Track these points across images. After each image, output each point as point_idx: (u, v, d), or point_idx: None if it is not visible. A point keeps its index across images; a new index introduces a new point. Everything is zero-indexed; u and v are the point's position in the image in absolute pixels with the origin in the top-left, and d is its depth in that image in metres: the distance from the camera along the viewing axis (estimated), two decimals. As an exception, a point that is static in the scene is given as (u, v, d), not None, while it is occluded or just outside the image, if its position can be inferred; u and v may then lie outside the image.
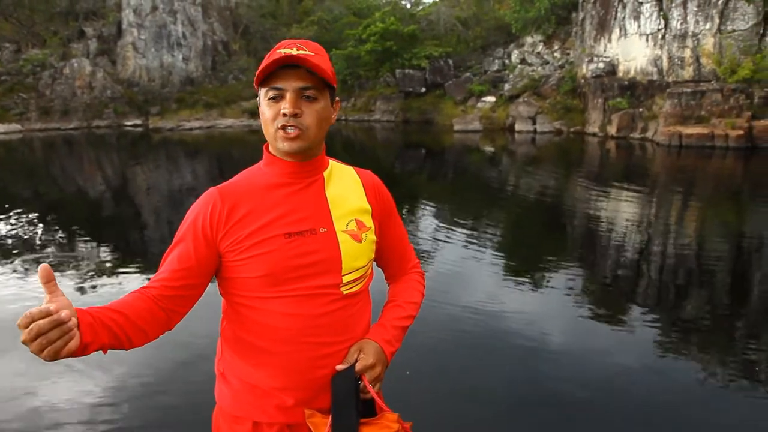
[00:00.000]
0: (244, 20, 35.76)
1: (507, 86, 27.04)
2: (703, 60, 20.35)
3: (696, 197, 12.00)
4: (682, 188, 12.79)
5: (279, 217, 1.48)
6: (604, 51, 23.98)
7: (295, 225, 1.48)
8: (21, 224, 9.42)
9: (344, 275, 1.52)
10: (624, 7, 22.74)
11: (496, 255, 7.56)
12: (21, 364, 4.30)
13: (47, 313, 1.10)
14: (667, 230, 8.86)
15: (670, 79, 21.08)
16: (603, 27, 24.00)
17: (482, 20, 32.77)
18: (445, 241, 8.04)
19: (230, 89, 31.61)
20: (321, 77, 1.45)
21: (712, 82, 19.82)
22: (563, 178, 14.65)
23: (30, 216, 10.06)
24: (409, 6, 38.32)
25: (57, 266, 6.93)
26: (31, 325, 1.09)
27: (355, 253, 1.54)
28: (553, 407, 3.76)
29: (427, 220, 9.51)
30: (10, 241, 8.31)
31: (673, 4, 20.84)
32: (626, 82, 22.22)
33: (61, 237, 8.84)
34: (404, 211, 9.73)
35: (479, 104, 27.29)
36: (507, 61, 29.47)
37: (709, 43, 20.13)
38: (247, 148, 22.41)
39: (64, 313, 1.12)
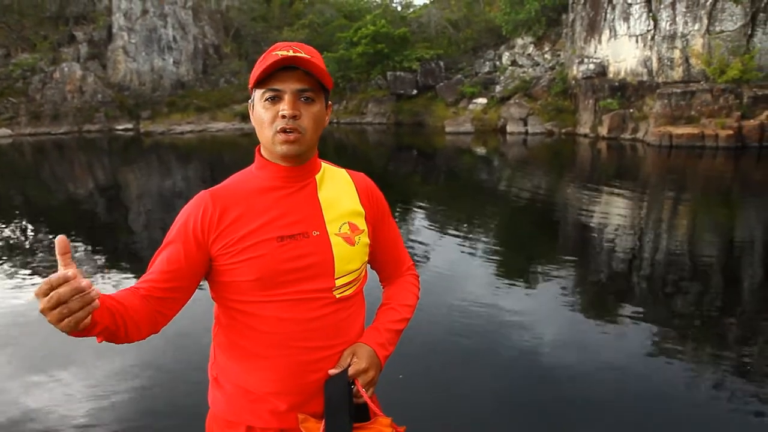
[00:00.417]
0: (235, 23, 35.84)
1: (498, 88, 27.21)
2: (693, 60, 20.52)
3: (687, 197, 12.04)
4: (673, 188, 12.83)
5: (271, 221, 1.46)
6: (595, 52, 24.13)
7: (288, 228, 1.46)
8: (10, 229, 9.37)
9: (337, 278, 1.51)
10: (613, 8, 22.90)
11: (489, 256, 7.54)
12: (8, 367, 4.31)
13: (65, 279, 1.06)
14: (659, 230, 8.86)
15: (660, 80, 21.25)
16: (593, 28, 24.16)
17: (473, 22, 33.01)
18: (437, 243, 8.02)
19: (221, 92, 31.67)
20: (318, 79, 1.44)
21: (702, 82, 19.98)
22: (555, 179, 14.68)
23: (20, 221, 10.02)
24: (399, 9, 38.65)
25: (47, 271, 6.90)
26: (51, 293, 1.05)
27: (348, 257, 1.52)
28: (546, 408, 3.74)
29: (419, 222, 9.47)
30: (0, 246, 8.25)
31: (662, 5, 21.02)
32: (617, 83, 22.39)
33: (51, 242, 8.66)
34: (397, 214, 9.73)
35: (471, 106, 27.45)
36: (498, 63, 29.66)
37: (698, 43, 20.30)
38: (238, 151, 22.38)
39: (84, 282, 1.08)
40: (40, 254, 7.92)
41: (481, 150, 21.07)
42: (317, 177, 1.56)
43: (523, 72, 27.53)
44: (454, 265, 7.06)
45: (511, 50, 29.50)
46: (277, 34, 34.38)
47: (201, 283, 1.52)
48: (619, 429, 3.55)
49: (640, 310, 5.52)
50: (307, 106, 1.44)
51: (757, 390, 3.98)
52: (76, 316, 1.08)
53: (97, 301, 1.12)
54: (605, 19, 23.42)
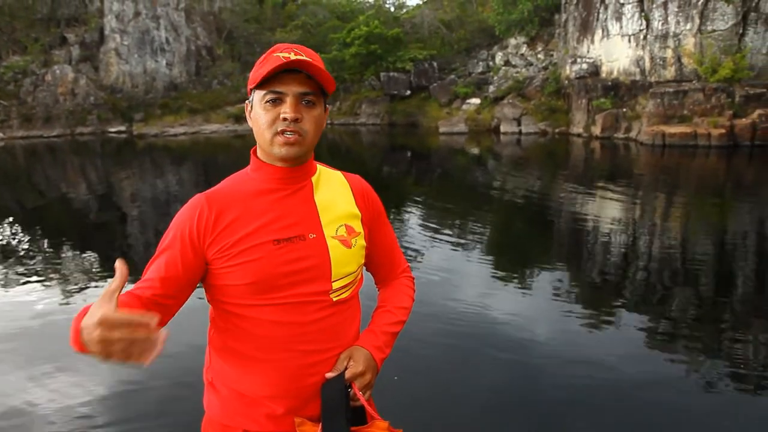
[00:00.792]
0: (228, 25, 35.72)
1: (492, 88, 27.29)
2: (685, 60, 20.64)
3: (680, 196, 12.08)
4: (667, 187, 12.90)
5: (267, 224, 1.45)
6: (587, 52, 24.21)
7: (284, 231, 1.46)
8: (2, 233, 9.35)
9: (334, 281, 1.50)
10: (606, 8, 22.99)
11: (483, 257, 7.57)
12: (3, 374, 4.29)
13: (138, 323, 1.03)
14: (652, 229, 8.90)
15: (653, 79, 21.35)
16: (585, 28, 24.24)
17: (466, 23, 33.07)
18: (431, 244, 8.03)
19: (215, 94, 31.59)
20: (319, 83, 1.44)
21: (694, 81, 20.11)
22: (549, 179, 14.71)
23: (12, 224, 10.01)
24: (392, 9, 38.61)
25: (41, 275, 6.95)
26: (119, 334, 1.01)
27: (345, 259, 1.52)
28: (542, 408, 3.76)
29: (413, 223, 9.48)
30: None
31: (654, 5, 21.12)
32: (609, 83, 22.48)
33: (44, 245, 8.75)
34: (390, 215, 9.74)
35: (464, 106, 27.51)
36: (491, 63, 29.72)
37: (690, 43, 20.43)
38: (232, 153, 22.35)
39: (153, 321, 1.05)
40: (33, 257, 7.88)
41: (474, 150, 21.13)
42: (313, 179, 1.56)
43: (517, 72, 27.60)
44: (448, 265, 7.04)
45: (504, 50, 29.56)
46: (269, 35, 34.30)
47: (199, 286, 1.50)
48: (614, 428, 3.55)
49: (634, 309, 5.54)
50: (308, 110, 1.44)
51: (750, 387, 4.01)
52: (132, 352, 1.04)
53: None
54: (598, 19, 23.51)
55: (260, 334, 1.46)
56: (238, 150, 23.11)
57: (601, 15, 23.28)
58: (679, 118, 19.34)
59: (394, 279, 1.77)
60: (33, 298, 6.09)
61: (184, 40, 32.76)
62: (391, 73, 30.33)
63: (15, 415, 3.72)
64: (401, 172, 16.72)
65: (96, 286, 6.47)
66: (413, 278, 1.82)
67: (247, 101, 1.54)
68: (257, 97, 1.46)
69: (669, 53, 20.94)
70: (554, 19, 27.64)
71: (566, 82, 24.47)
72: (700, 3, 20.01)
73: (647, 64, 21.65)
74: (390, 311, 1.67)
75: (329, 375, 1.49)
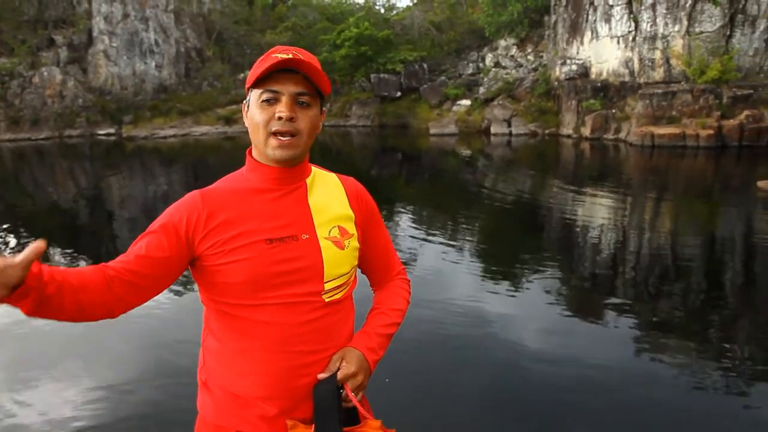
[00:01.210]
0: (218, 27, 35.56)
1: (482, 89, 27.34)
2: (673, 61, 20.78)
3: (669, 196, 12.18)
4: (656, 188, 12.97)
5: (261, 223, 1.46)
6: (577, 53, 24.32)
7: (277, 231, 1.46)
8: None
9: (326, 282, 1.51)
10: (595, 10, 23.10)
11: (474, 257, 7.60)
12: None
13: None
14: (642, 229, 8.98)
15: (642, 81, 21.48)
16: (575, 30, 24.35)
17: (456, 24, 33.10)
18: (422, 245, 8.04)
19: (205, 96, 31.47)
20: (315, 85, 1.45)
21: (682, 82, 20.25)
22: (539, 180, 14.78)
23: (1, 228, 9.96)
24: (383, 11, 38.46)
25: None
26: None
27: (338, 260, 1.53)
28: (534, 408, 3.78)
29: (404, 225, 9.50)
30: None
31: (643, 7, 21.23)
32: (599, 84, 22.59)
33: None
34: (381, 216, 9.72)
35: (455, 108, 27.55)
36: (481, 65, 29.78)
37: (678, 44, 20.57)
38: (222, 155, 22.29)
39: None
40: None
41: (465, 152, 21.19)
42: (308, 180, 1.57)
43: (507, 73, 27.67)
44: (439, 266, 7.07)
45: (494, 52, 29.63)
46: (259, 37, 34.24)
47: (194, 287, 1.50)
48: (611, 427, 3.58)
49: (626, 308, 5.59)
50: (303, 110, 1.45)
51: (740, 384, 4.06)
52: None
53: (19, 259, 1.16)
54: (587, 21, 23.61)
55: (253, 334, 1.46)
56: (228, 152, 23.08)
57: (590, 17, 23.39)
58: (668, 119, 19.49)
59: (390, 281, 1.78)
60: None
61: (174, 42, 32.60)
62: (382, 75, 30.33)
63: (2, 421, 3.69)
64: (392, 174, 16.73)
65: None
66: (409, 281, 1.82)
67: (244, 101, 1.54)
68: (254, 96, 1.47)
69: (658, 55, 21.07)
70: (544, 20, 27.73)
71: (556, 83, 24.56)
72: (688, 5, 20.15)
73: (636, 66, 21.78)
74: (384, 313, 1.67)
75: (321, 376, 1.49)
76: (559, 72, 24.28)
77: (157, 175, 17.74)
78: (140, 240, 1.44)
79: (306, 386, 1.48)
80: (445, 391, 4.01)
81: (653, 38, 21.02)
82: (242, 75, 32.53)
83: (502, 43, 29.44)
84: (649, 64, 21.31)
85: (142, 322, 5.00)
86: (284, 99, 1.43)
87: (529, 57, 28.24)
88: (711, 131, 18.22)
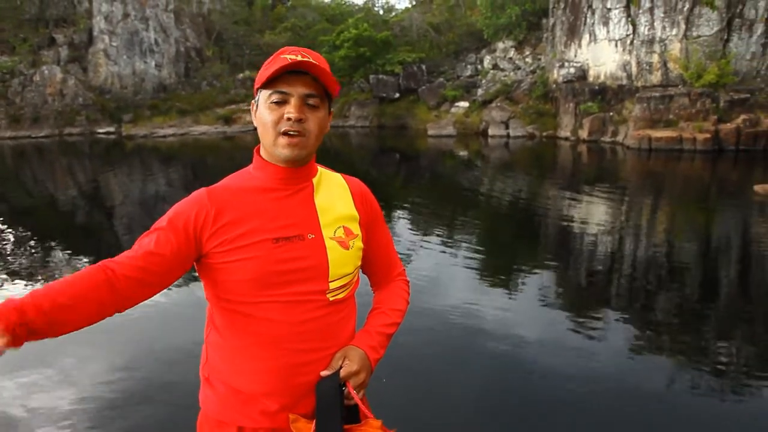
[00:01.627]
0: (217, 27, 35.65)
1: (480, 91, 27.41)
2: (671, 65, 20.84)
3: (666, 199, 12.20)
4: (653, 191, 13.00)
5: (267, 222, 1.46)
6: (575, 56, 24.39)
7: (284, 230, 1.47)
8: None
9: (331, 282, 1.52)
10: (593, 13, 23.17)
11: (471, 259, 7.56)
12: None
13: None
14: (639, 232, 8.98)
15: (639, 84, 21.55)
16: (573, 33, 24.42)
17: (454, 26, 33.19)
18: (420, 246, 8.04)
19: (204, 96, 31.53)
20: (324, 86, 1.46)
21: (680, 86, 20.31)
22: (537, 182, 14.78)
23: (1, 224, 9.98)
24: (382, 12, 38.70)
25: (28, 274, 6.98)
26: None
27: (343, 260, 1.53)
28: (529, 408, 3.79)
29: (402, 225, 9.48)
30: None
31: (641, 11, 21.30)
32: (596, 87, 22.65)
33: (32, 245, 8.72)
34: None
35: (453, 109, 27.61)
36: (479, 67, 29.86)
37: (675, 48, 20.64)
38: (221, 154, 22.28)
39: None
40: (21, 257, 7.90)
41: (463, 153, 21.21)
42: (314, 181, 1.58)
43: (505, 76, 27.74)
44: (436, 267, 7.06)
45: (493, 54, 29.69)
46: (259, 37, 34.41)
47: (196, 283, 1.54)
48: (608, 427, 3.59)
49: (622, 309, 5.61)
50: (312, 111, 1.46)
51: (738, 384, 4.08)
52: None
53: None
54: (585, 24, 23.69)
55: (257, 331, 1.47)
56: (227, 151, 23.08)
57: (588, 20, 23.47)
58: (665, 123, 19.55)
59: (390, 281, 1.79)
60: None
61: (173, 42, 32.68)
62: (380, 76, 30.43)
63: (5, 419, 3.70)
64: (390, 175, 16.72)
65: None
66: (408, 281, 1.83)
67: (252, 101, 1.55)
68: (263, 97, 1.48)
69: (655, 58, 21.14)
70: (542, 23, 27.77)
71: (554, 85, 24.63)
72: (685, 9, 20.23)
73: (634, 69, 21.86)
74: (385, 313, 1.68)
75: (324, 373, 1.50)
76: (557, 75, 24.35)
77: (157, 173, 17.74)
78: (148, 236, 1.44)
79: (308, 383, 1.49)
80: (442, 392, 4.01)
81: (651, 42, 21.10)
82: (241, 75, 32.53)
83: (501, 45, 29.50)
84: (647, 67, 21.39)
85: (143, 318, 5.01)
86: (293, 100, 1.44)
87: (527, 59, 28.30)
88: (708, 135, 18.27)
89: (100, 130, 28.91)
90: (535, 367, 4.35)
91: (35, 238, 9.29)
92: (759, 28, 19.70)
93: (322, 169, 1.63)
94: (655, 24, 20.97)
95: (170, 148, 24.22)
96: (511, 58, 28.83)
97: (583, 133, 21.87)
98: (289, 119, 1.43)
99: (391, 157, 21.07)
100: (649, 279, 6.64)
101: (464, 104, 27.35)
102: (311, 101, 1.46)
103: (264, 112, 1.47)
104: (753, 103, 18.96)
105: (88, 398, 3.94)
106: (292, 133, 1.44)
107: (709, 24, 20.07)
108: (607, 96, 22.30)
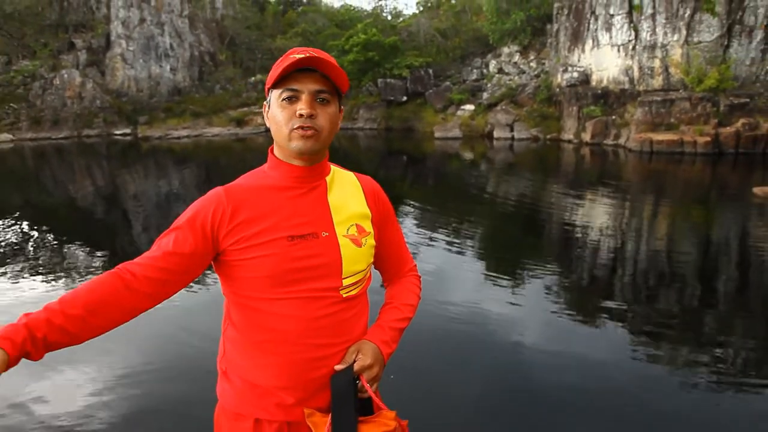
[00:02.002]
0: (230, 32, 35.91)
1: (485, 95, 27.40)
2: (672, 70, 20.85)
3: (667, 201, 12.17)
4: (654, 193, 12.98)
5: (282, 220, 1.47)
6: (578, 61, 24.46)
7: (298, 228, 1.48)
8: (13, 230, 9.39)
9: (344, 278, 1.53)
10: (596, 19, 23.24)
11: (476, 258, 7.62)
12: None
13: None
14: (640, 234, 8.95)
15: (641, 88, 21.55)
16: (576, 38, 24.50)
17: (461, 31, 33.23)
18: (425, 246, 8.05)
19: (217, 99, 31.76)
20: (333, 82, 1.48)
21: (681, 90, 20.31)
22: (540, 183, 14.78)
23: (21, 223, 10.06)
24: (390, 18, 38.63)
25: (49, 271, 7.06)
26: None
27: (356, 257, 1.54)
28: (529, 408, 3.80)
29: (409, 225, 9.43)
30: (1, 248, 8.27)
31: (643, 17, 21.35)
32: (599, 91, 22.66)
33: (53, 244, 8.79)
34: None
35: (459, 112, 27.63)
36: (485, 71, 29.89)
37: (677, 53, 20.66)
38: (233, 155, 22.40)
39: None
40: (41, 255, 8.00)
41: (469, 155, 21.17)
42: (327, 179, 1.59)
43: (510, 80, 27.71)
44: (442, 266, 7.06)
45: (498, 58, 29.71)
46: (270, 42, 34.52)
47: (214, 279, 1.74)
48: (608, 425, 3.60)
49: (623, 310, 5.62)
50: (323, 107, 1.48)
51: (737, 384, 4.12)
52: None
53: None
54: (588, 30, 23.73)
55: (272, 326, 1.48)
56: (239, 153, 23.14)
57: (591, 25, 23.50)
58: (666, 126, 19.53)
59: (402, 277, 1.80)
60: (38, 292, 6.17)
61: (188, 46, 32.95)
62: (388, 80, 30.53)
63: (20, 411, 3.73)
64: (398, 176, 16.64)
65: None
66: (419, 277, 1.85)
67: (264, 101, 1.56)
68: (274, 95, 1.49)
69: (657, 63, 21.13)
70: (546, 28, 27.78)
71: (557, 89, 24.65)
72: (687, 15, 20.24)
73: (636, 74, 21.86)
74: (397, 308, 1.70)
75: (338, 367, 1.51)
76: (561, 79, 24.41)
77: (171, 174, 17.84)
78: (166, 236, 1.46)
79: (322, 377, 1.51)
80: (443, 391, 4.00)
81: (653, 47, 21.12)
82: (253, 78, 32.72)
83: (506, 50, 29.54)
84: (649, 72, 21.40)
85: (161, 313, 4.90)
86: (304, 97, 1.45)
87: (531, 64, 28.27)
88: (708, 138, 18.30)
89: (117, 132, 29.17)
90: (536, 367, 4.35)
91: (56, 234, 9.38)
92: (758, 35, 19.67)
93: (335, 168, 1.65)
94: (657, 30, 20.99)
95: (184, 150, 24.31)
96: (515, 63, 28.82)
97: (586, 136, 21.91)
98: (301, 115, 1.44)
99: (398, 158, 21.02)
100: (650, 280, 6.60)
101: (470, 107, 27.36)
102: (322, 97, 1.47)
103: (276, 111, 1.48)
104: (752, 107, 18.90)
105: (103, 389, 3.99)
106: (304, 127, 1.45)
107: (709, 30, 20.08)
108: (609, 100, 22.29)
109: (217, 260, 1.51)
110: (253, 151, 22.10)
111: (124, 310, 1.37)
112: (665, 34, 20.89)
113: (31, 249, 8.31)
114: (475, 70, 30.28)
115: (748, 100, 19.13)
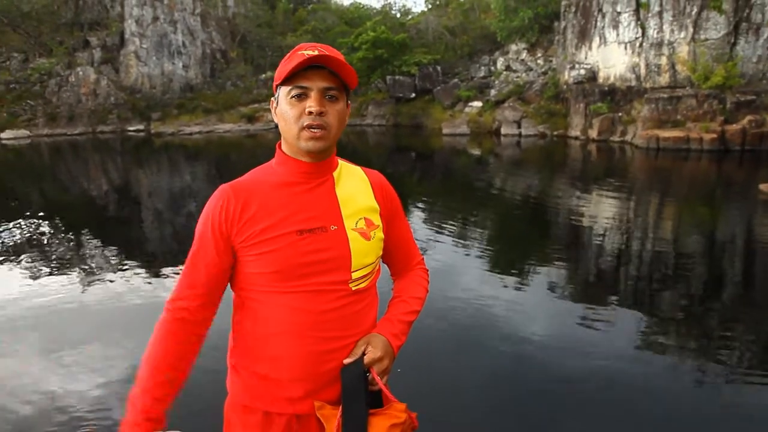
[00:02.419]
0: (241, 29, 36.12)
1: (493, 92, 27.46)
2: (679, 67, 20.85)
3: (673, 197, 12.22)
4: (660, 189, 13.01)
5: (291, 215, 1.47)
6: (585, 58, 24.51)
7: (307, 222, 1.47)
8: (30, 225, 9.40)
9: (353, 272, 1.52)
10: (603, 16, 23.28)
11: (483, 253, 7.61)
12: (28, 359, 4.40)
13: None
14: (646, 230, 8.94)
15: (648, 85, 21.56)
16: (584, 35, 24.54)
17: (469, 29, 33.30)
18: (432, 240, 8.07)
19: (228, 95, 32.01)
20: (342, 79, 1.47)
21: (687, 88, 20.29)
22: (548, 179, 14.80)
23: (39, 216, 10.14)
24: (398, 15, 38.63)
25: (65, 265, 7.11)
26: None
27: (364, 251, 1.54)
28: (536, 402, 3.81)
29: (416, 220, 9.45)
30: (19, 241, 8.31)
31: (650, 14, 21.36)
32: (606, 88, 22.67)
33: (69, 237, 8.85)
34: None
35: (467, 109, 27.71)
36: (493, 68, 29.95)
37: (683, 51, 20.65)
38: (244, 151, 22.63)
39: None
40: (57, 248, 8.07)
41: (476, 151, 21.23)
42: (335, 174, 1.58)
43: (517, 77, 27.75)
44: (450, 261, 7.07)
45: (506, 56, 29.76)
46: (281, 39, 34.63)
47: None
48: (611, 421, 3.61)
49: (628, 305, 5.65)
50: (331, 104, 1.47)
51: (740, 380, 4.13)
52: None
53: None
54: (595, 27, 23.75)
55: (281, 320, 1.48)
56: (249, 148, 23.36)
57: (598, 23, 23.53)
58: (673, 123, 19.54)
59: (410, 270, 1.80)
60: (55, 286, 6.21)
61: (200, 44, 33.19)
62: (397, 77, 30.65)
63: (38, 401, 3.78)
64: (406, 172, 16.66)
65: (117, 276, 6.58)
66: (427, 270, 1.84)
67: (272, 98, 1.55)
68: (283, 93, 1.48)
69: (663, 60, 21.13)
70: (553, 26, 27.77)
71: (565, 86, 24.68)
72: (693, 13, 20.23)
73: (642, 71, 21.87)
74: (405, 301, 1.70)
75: (348, 360, 1.51)
76: (568, 76, 24.44)
77: (184, 169, 18.01)
78: (194, 258, 1.51)
79: (332, 370, 1.50)
80: (450, 386, 4.01)
81: (659, 44, 21.11)
82: (264, 75, 32.96)
83: (513, 47, 29.60)
84: (655, 69, 21.39)
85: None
86: (313, 94, 1.43)
87: (539, 61, 28.31)
88: (714, 135, 18.25)
89: (131, 128, 29.48)
90: (542, 362, 4.34)
91: (72, 228, 9.46)
92: (765, 32, 19.61)
93: (342, 162, 1.64)
94: (664, 27, 20.99)
95: (196, 145, 24.52)
96: (523, 60, 28.87)
97: (593, 133, 21.93)
98: (310, 113, 1.43)
99: (407, 154, 21.07)
100: (656, 276, 6.60)
101: (478, 104, 27.39)
102: (331, 93, 1.46)
103: (285, 108, 1.47)
104: (759, 104, 18.86)
105: (113, 382, 4.02)
106: (314, 128, 1.44)
107: (716, 27, 20.05)
108: (616, 97, 22.28)
109: None
110: (264, 146, 22.19)
111: (199, 340, 1.52)
112: (672, 31, 20.86)
113: (48, 242, 8.39)
114: (483, 68, 30.32)
115: (754, 97, 19.09)
